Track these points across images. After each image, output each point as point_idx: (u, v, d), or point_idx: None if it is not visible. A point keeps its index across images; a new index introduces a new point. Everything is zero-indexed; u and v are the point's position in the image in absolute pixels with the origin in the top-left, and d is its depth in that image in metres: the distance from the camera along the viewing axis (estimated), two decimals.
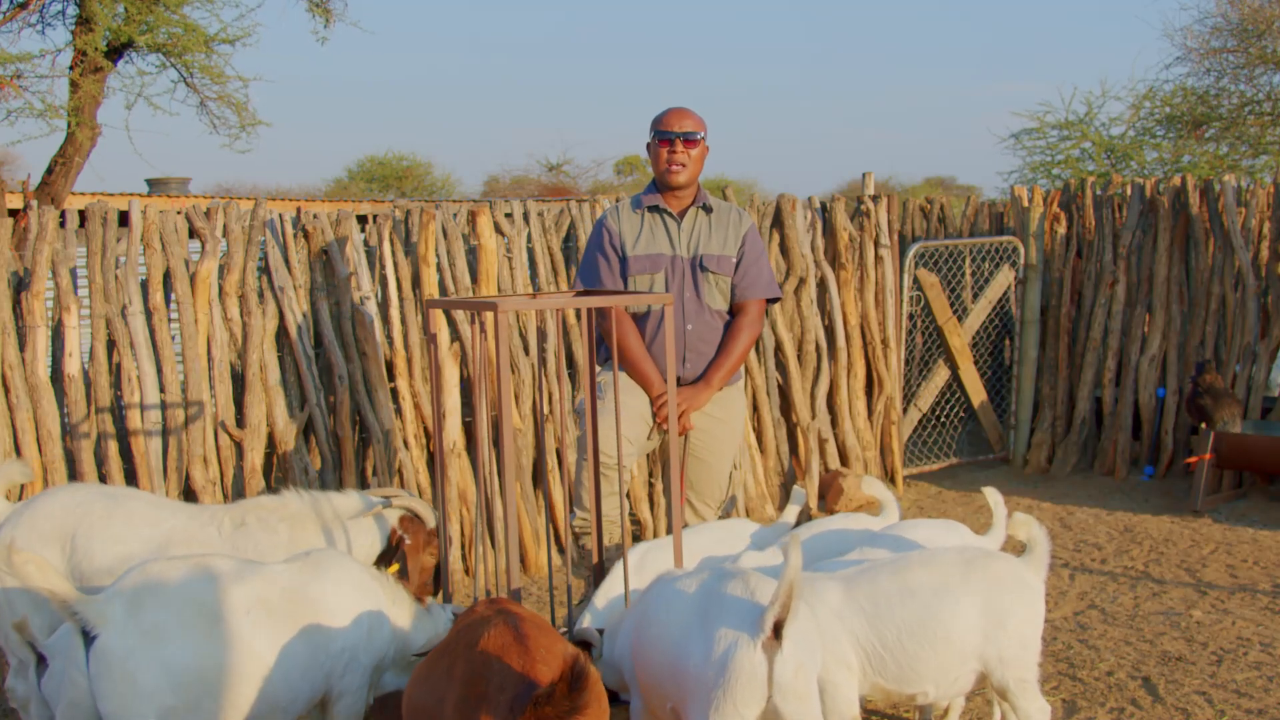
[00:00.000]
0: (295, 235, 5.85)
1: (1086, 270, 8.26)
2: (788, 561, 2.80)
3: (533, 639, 2.68)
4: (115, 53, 10.73)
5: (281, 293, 5.75)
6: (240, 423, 5.61)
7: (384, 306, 6.04)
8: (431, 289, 6.04)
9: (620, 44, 79.69)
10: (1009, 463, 8.49)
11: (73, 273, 5.36)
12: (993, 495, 4.09)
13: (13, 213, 7.88)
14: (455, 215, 6.34)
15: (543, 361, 6.27)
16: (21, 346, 5.19)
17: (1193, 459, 7.15)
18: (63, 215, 5.45)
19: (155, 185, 14.72)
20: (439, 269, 6.16)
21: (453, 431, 5.99)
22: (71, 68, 10.42)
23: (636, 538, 6.36)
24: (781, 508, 6.90)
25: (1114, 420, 8.00)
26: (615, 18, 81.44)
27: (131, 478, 5.33)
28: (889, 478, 7.69)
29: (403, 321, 6.05)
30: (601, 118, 64.57)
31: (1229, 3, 16.29)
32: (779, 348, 7.15)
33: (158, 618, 3.10)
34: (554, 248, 6.58)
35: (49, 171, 10.63)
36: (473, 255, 6.25)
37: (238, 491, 5.51)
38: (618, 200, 5.97)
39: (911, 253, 8.16)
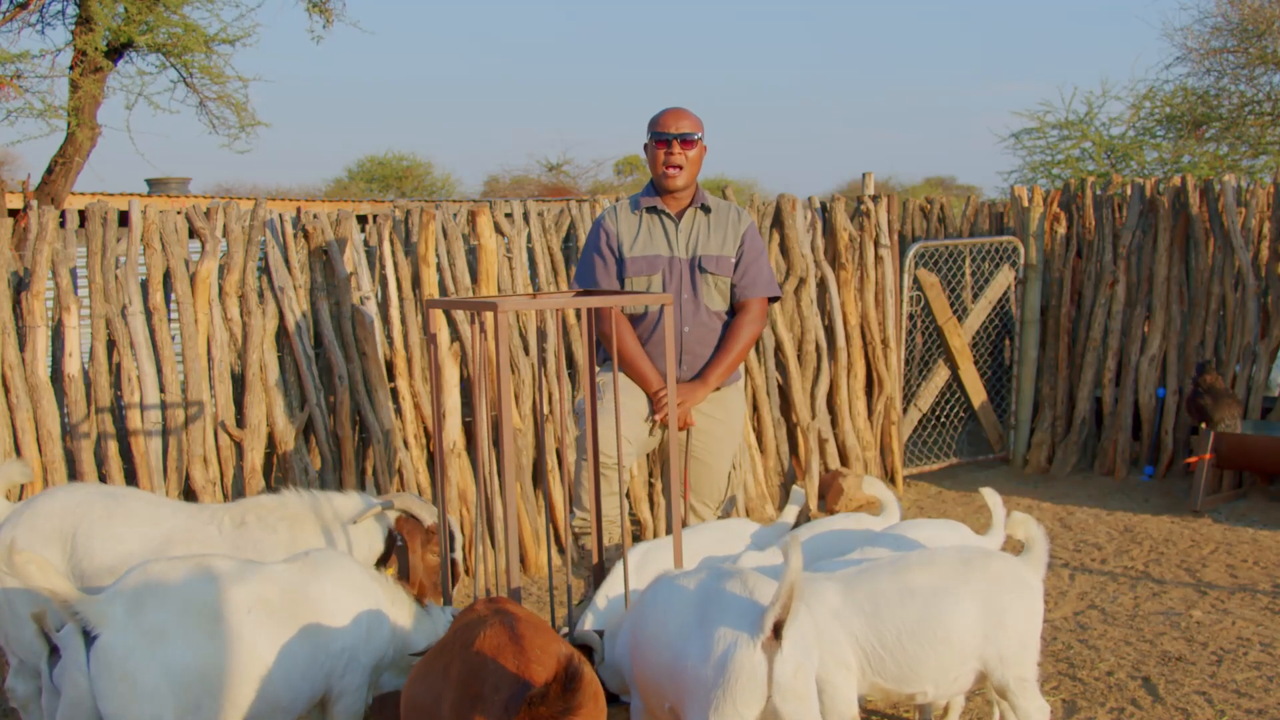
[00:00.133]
0: (295, 235, 5.85)
1: (1086, 270, 8.27)
2: (788, 563, 2.80)
3: (529, 639, 2.69)
4: (115, 53, 10.73)
5: (281, 293, 5.75)
6: (240, 423, 5.61)
7: (384, 306, 6.04)
8: (431, 289, 6.04)
9: (620, 44, 79.74)
10: (1009, 463, 8.49)
11: (73, 273, 5.36)
12: (991, 496, 4.09)
13: (13, 213, 7.88)
14: (455, 215, 6.34)
15: (543, 361, 6.27)
16: (21, 346, 5.19)
17: (1193, 459, 7.15)
18: (63, 215, 5.45)
19: (155, 185, 14.73)
20: (439, 269, 6.16)
21: (453, 431, 5.99)
22: (71, 68, 10.43)
23: (636, 538, 6.36)
24: (781, 508, 6.89)
25: (1114, 420, 8.00)
26: (615, 18, 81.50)
27: (131, 478, 5.33)
28: (889, 478, 7.69)
29: (403, 321, 6.05)
30: (601, 118, 64.62)
31: (1229, 3, 16.32)
32: (779, 348, 7.15)
33: (158, 618, 3.10)
34: (554, 248, 6.58)
35: (49, 171, 10.63)
36: (473, 255, 6.25)
37: (238, 491, 5.51)
38: (618, 200, 5.98)
39: (911, 253, 8.16)
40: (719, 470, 4.71)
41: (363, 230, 6.17)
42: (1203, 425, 7.11)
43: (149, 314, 5.43)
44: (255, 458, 5.57)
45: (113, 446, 5.31)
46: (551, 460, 6.25)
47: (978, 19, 76.43)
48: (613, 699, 3.47)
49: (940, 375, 8.49)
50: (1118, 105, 41.06)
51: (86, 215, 5.41)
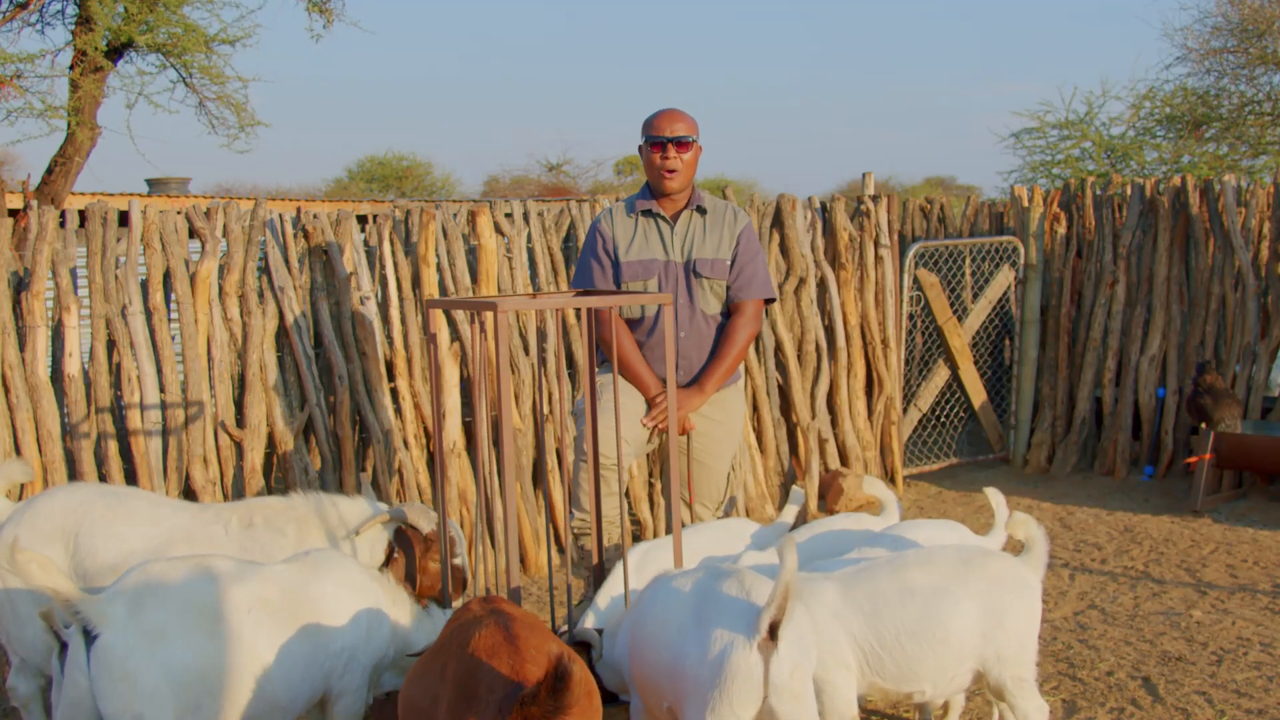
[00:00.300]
0: (295, 235, 5.86)
1: (1086, 270, 8.27)
2: (783, 563, 2.80)
3: (524, 639, 2.69)
4: (115, 53, 10.73)
5: (281, 293, 5.75)
6: (240, 423, 5.61)
7: (384, 306, 6.04)
8: (431, 289, 6.04)
9: (620, 44, 79.75)
10: (1009, 463, 8.49)
11: (73, 273, 5.36)
12: (994, 495, 4.09)
13: (13, 213, 7.89)
14: (455, 215, 6.34)
15: (543, 361, 6.27)
16: (21, 346, 5.19)
17: (1193, 459, 7.15)
18: (63, 215, 5.45)
19: (155, 185, 14.75)
20: (439, 269, 6.16)
21: (453, 431, 6.00)
22: (71, 68, 10.43)
23: (636, 538, 6.37)
24: (781, 508, 6.90)
25: (1114, 420, 8.00)
26: (615, 18, 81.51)
27: (131, 478, 5.33)
28: (889, 478, 7.70)
29: (403, 321, 6.06)
30: (601, 118, 64.63)
31: (1229, 3, 16.31)
32: (779, 348, 7.15)
33: (159, 618, 3.10)
34: (554, 248, 6.58)
35: (49, 171, 10.63)
36: (473, 255, 6.26)
37: (238, 491, 5.52)
38: (616, 200, 5.98)
39: (911, 253, 8.16)
40: (718, 471, 4.70)
41: (363, 230, 6.17)
42: (1203, 425, 7.11)
43: (149, 314, 5.43)
44: (255, 458, 5.57)
45: (113, 446, 5.31)
46: (551, 460, 6.25)
47: (978, 19, 76.49)
48: (612, 698, 3.47)
49: (940, 375, 8.49)
50: (1118, 105, 41.10)
51: (86, 215, 5.42)
